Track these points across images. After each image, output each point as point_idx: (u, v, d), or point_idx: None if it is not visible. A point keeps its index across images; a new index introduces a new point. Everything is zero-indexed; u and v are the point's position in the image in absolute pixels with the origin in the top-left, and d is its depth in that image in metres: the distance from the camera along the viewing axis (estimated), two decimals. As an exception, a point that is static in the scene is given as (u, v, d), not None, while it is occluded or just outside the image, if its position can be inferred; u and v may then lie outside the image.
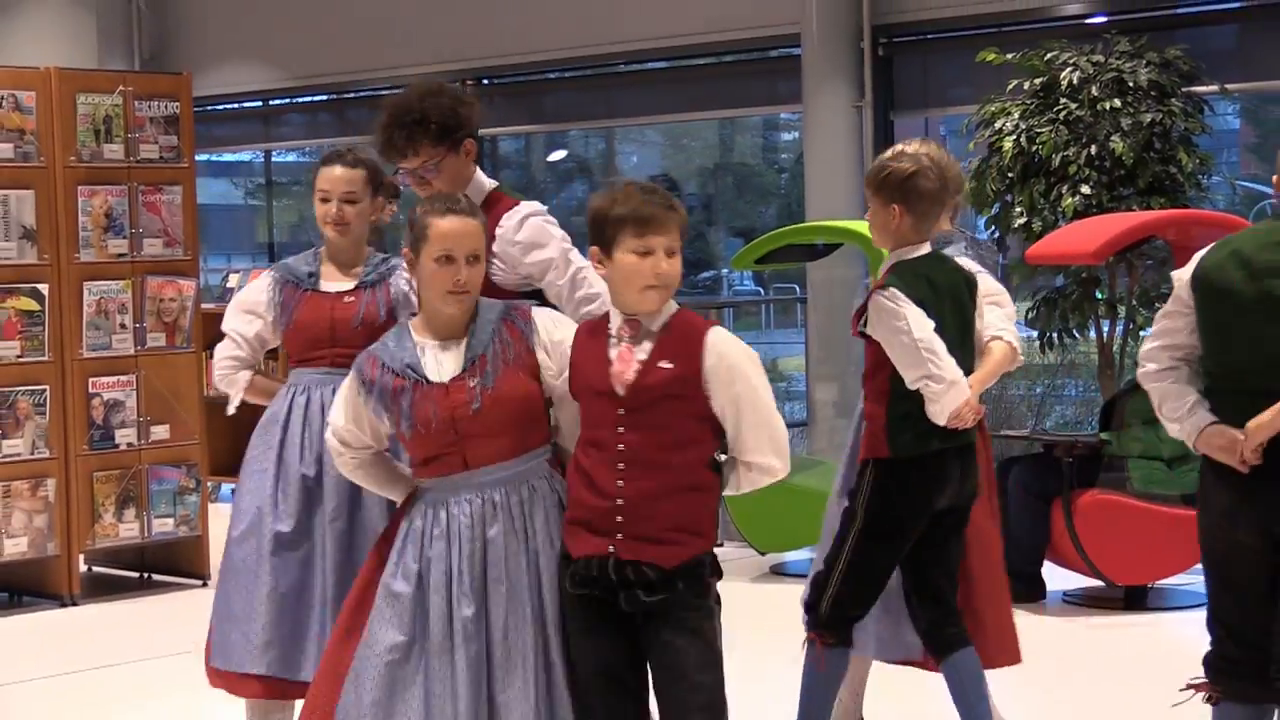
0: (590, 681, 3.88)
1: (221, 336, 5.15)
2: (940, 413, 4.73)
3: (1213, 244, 4.24)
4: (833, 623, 4.90)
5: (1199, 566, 7.79)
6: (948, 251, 5.19)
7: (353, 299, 5.02)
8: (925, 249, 4.87)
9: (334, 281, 5.07)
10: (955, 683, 4.95)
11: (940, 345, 4.70)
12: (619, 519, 3.80)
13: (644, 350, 3.83)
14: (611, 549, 3.80)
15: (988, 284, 5.11)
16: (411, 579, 3.87)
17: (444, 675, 3.83)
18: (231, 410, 5.19)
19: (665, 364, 3.80)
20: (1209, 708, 4.30)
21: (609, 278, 3.89)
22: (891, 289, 4.74)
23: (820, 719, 4.98)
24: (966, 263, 5.10)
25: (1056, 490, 7.66)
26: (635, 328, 3.86)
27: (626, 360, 3.82)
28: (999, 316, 5.07)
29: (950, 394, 4.69)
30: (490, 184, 4.75)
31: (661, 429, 3.80)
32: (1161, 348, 4.26)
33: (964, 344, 4.86)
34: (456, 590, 3.84)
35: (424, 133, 4.56)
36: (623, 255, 3.81)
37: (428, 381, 3.90)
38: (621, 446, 3.80)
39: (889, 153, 5.05)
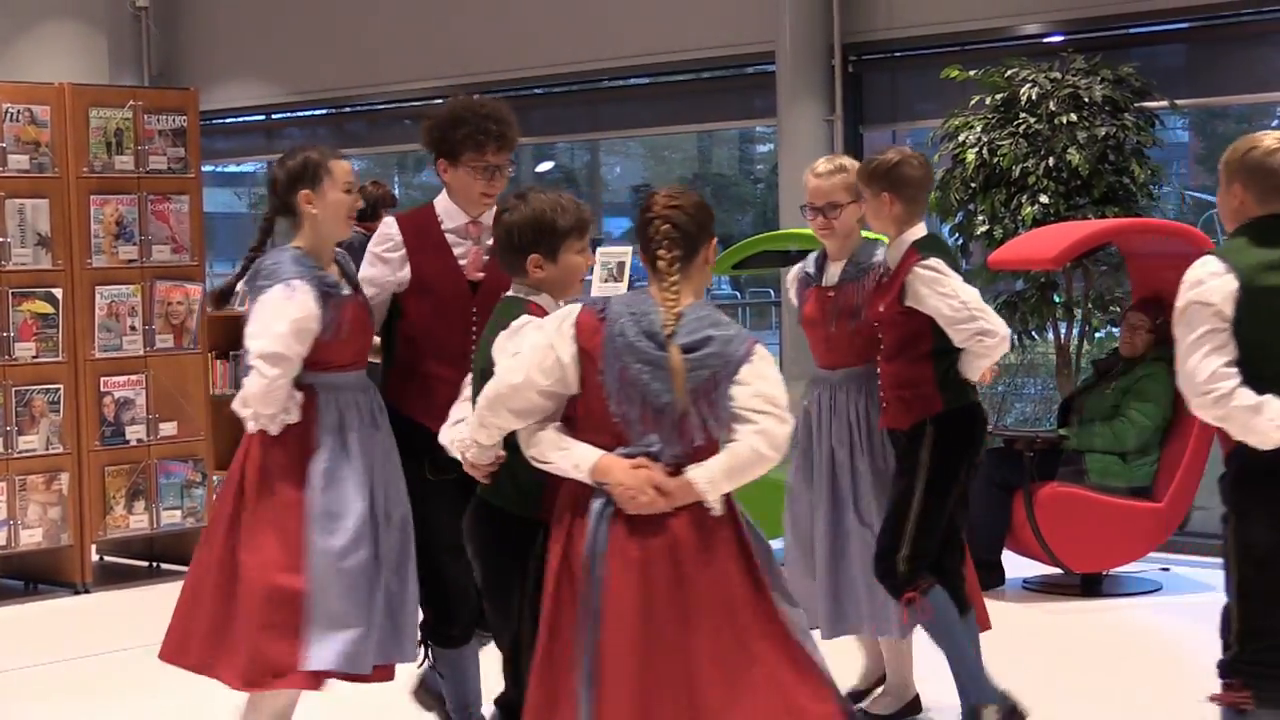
0: None
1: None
2: (984, 366, 4.87)
3: (1218, 256, 4.03)
4: (916, 575, 4.95)
5: (1152, 555, 7.85)
6: (877, 255, 5.20)
7: (360, 298, 4.65)
8: (923, 229, 4.95)
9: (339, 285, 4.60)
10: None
11: (984, 303, 4.84)
12: None
13: None
14: None
15: None
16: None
17: None
18: (277, 430, 4.45)
19: None
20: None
21: (551, 277, 4.10)
22: (932, 259, 4.82)
23: (974, 666, 4.95)
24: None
25: (1017, 482, 7.64)
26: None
27: None
28: None
29: (1001, 346, 4.85)
30: None
31: None
32: (1226, 364, 3.96)
33: None
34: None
35: (515, 139, 4.86)
36: (569, 256, 4.12)
37: None
38: None
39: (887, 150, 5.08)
